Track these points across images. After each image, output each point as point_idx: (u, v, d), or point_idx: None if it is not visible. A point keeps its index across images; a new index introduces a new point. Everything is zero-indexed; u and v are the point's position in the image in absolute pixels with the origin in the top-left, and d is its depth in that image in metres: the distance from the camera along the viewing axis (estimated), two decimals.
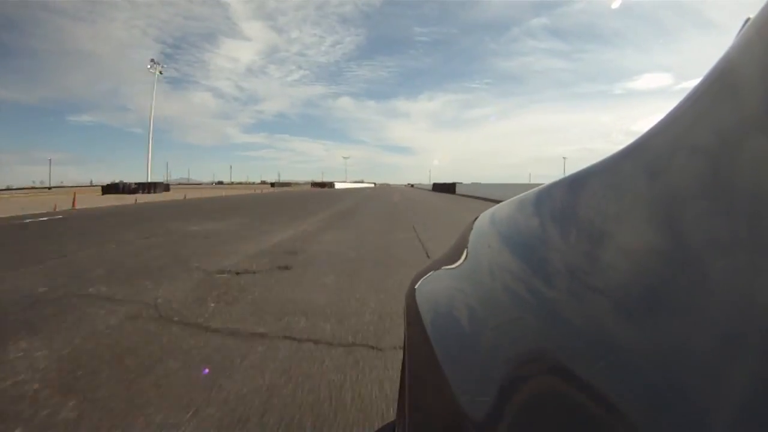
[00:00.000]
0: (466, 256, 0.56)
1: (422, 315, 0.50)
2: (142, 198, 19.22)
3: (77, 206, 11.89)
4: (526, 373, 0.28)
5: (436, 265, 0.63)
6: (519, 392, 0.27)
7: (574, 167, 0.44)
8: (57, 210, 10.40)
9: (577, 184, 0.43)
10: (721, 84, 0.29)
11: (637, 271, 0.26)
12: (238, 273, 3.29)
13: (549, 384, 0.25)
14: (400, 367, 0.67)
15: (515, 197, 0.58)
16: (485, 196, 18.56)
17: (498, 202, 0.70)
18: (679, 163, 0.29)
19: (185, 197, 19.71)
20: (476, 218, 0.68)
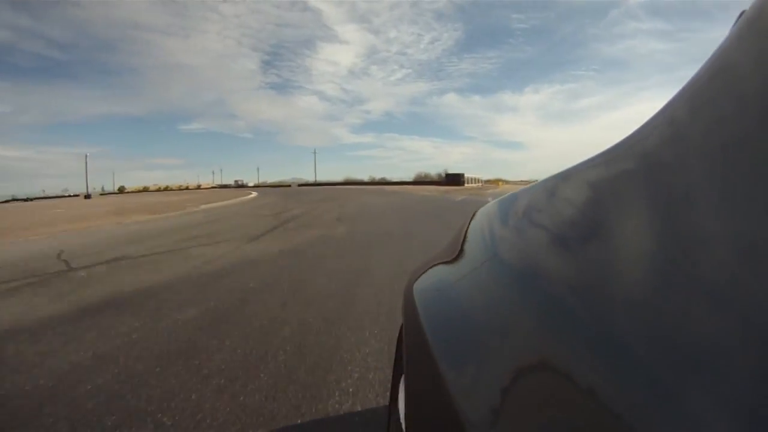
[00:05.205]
0: (465, 252, 0.55)
1: (419, 312, 0.49)
2: None
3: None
4: (523, 370, 0.28)
5: (435, 262, 0.62)
6: (516, 389, 0.27)
7: None
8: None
9: (574, 178, 0.42)
10: (715, 77, 0.28)
11: (640, 267, 0.25)
12: None
13: (546, 380, 0.25)
14: (393, 360, 0.67)
15: (517, 191, 0.57)
16: None
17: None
18: (675, 155, 0.28)
19: None
20: (475, 213, 0.67)
